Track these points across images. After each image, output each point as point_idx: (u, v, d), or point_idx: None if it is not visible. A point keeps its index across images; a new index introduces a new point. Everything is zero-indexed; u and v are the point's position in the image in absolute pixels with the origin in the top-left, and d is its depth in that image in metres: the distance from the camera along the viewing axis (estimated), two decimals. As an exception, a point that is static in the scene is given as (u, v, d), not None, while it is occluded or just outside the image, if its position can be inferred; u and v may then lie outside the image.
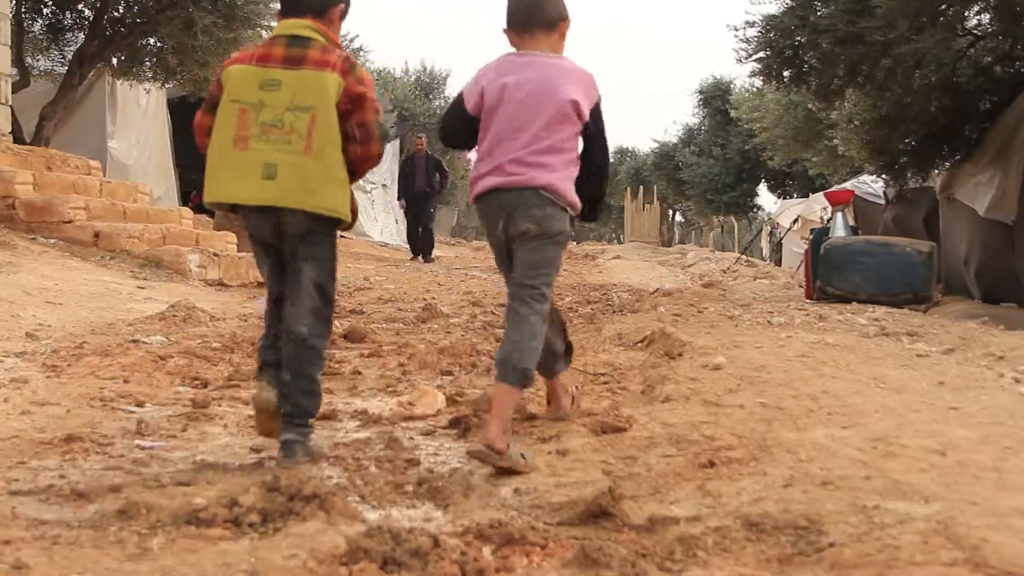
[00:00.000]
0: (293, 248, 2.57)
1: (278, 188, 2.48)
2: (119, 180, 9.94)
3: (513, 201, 2.69)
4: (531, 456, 2.54)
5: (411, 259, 13.61)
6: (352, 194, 2.63)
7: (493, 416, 2.50)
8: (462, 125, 2.87)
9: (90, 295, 5.79)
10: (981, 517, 1.68)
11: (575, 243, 31.49)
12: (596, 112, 2.83)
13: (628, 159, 36.11)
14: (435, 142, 14.67)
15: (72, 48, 10.99)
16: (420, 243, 13.58)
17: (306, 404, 2.50)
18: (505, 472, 2.40)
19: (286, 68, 2.53)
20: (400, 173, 14.27)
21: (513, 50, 2.87)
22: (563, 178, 2.72)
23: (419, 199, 13.22)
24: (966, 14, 7.75)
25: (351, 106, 2.55)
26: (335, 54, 2.58)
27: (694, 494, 2.04)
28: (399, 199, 13.86)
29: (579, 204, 2.78)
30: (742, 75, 29.16)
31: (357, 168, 2.62)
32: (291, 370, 2.51)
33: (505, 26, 2.87)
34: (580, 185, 2.82)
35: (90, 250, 7.46)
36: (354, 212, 2.63)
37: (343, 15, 2.72)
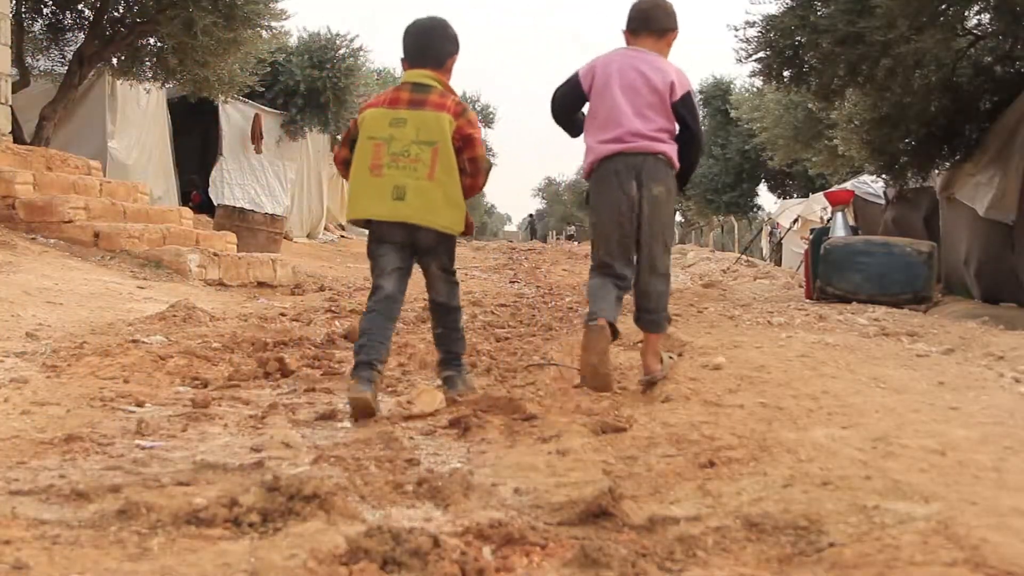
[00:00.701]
0: (423, 253, 3.22)
1: (408, 206, 3.09)
2: (119, 180, 9.94)
3: (639, 163, 3.32)
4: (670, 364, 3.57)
5: None
6: (468, 212, 3.24)
7: (648, 351, 3.50)
8: (572, 97, 3.49)
9: (90, 295, 5.79)
10: (981, 517, 1.68)
11: (576, 243, 31.53)
12: (687, 97, 3.38)
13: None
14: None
15: (72, 48, 10.99)
16: None
17: (456, 348, 3.34)
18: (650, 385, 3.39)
19: (410, 109, 3.13)
20: None
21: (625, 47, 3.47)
22: (672, 148, 3.37)
23: None
24: (966, 14, 7.76)
25: (462, 144, 3.14)
26: (450, 99, 3.17)
27: (694, 494, 2.04)
28: None
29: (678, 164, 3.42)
30: (742, 75, 29.17)
31: (466, 195, 3.20)
32: (442, 325, 3.32)
33: (624, 27, 3.50)
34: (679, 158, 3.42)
35: (90, 250, 7.46)
36: (470, 226, 3.23)
37: (455, 61, 3.32)
